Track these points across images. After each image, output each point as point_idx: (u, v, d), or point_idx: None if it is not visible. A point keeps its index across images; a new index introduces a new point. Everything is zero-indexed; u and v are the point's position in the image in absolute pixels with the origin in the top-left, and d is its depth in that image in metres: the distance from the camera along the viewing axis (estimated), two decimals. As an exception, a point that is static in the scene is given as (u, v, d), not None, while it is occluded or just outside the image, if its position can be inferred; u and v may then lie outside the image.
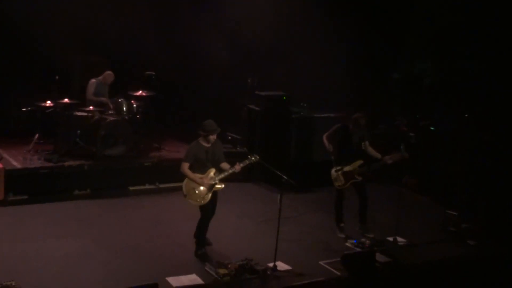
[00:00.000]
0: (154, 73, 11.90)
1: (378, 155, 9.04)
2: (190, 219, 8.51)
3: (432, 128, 11.84)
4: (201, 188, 8.01)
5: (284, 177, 7.85)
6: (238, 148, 12.04)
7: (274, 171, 8.04)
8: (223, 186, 8.14)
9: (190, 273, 7.62)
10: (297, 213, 10.09)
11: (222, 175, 8.07)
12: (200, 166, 8.04)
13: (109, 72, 11.37)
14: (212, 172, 8.08)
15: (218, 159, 8.13)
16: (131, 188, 10.81)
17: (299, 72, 13.24)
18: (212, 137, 7.99)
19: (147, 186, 10.95)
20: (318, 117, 11.76)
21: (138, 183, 10.91)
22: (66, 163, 10.40)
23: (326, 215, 9.49)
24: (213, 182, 8.04)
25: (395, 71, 13.61)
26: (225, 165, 8.16)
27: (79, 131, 10.82)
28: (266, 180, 11.36)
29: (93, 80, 11.28)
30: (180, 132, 12.78)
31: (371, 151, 9.11)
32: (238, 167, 8.01)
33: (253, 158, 8.09)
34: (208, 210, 8.13)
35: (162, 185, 10.99)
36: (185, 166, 8.00)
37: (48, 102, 10.76)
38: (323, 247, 8.77)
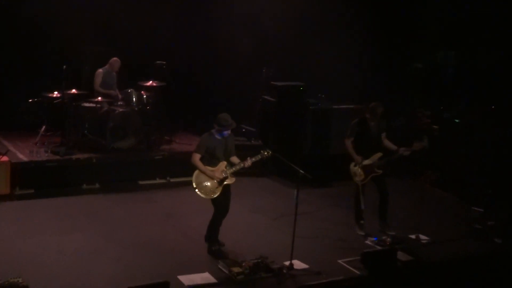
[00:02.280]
0: (164, 62, 11.90)
1: (394, 147, 8.98)
2: (203, 214, 8.48)
3: (456, 121, 11.73)
4: (212, 181, 7.99)
5: (301, 171, 7.81)
6: (252, 141, 12.01)
7: (290, 164, 7.99)
8: (234, 180, 8.10)
9: (203, 271, 7.60)
10: (314, 209, 10.05)
11: (233, 169, 8.03)
12: (211, 158, 8.01)
13: (115, 58, 11.36)
14: (223, 165, 8.04)
15: (230, 152, 8.11)
16: (141, 182, 10.83)
17: (317, 62, 13.19)
18: (226, 132, 7.93)
19: (157, 181, 10.96)
20: (336, 108, 11.75)
21: (148, 177, 10.92)
22: (74, 156, 10.42)
23: (345, 211, 9.45)
24: (224, 176, 8.01)
25: (417, 60, 13.49)
26: (235, 159, 8.13)
27: (87, 123, 10.85)
28: (281, 174, 11.34)
29: (100, 70, 11.28)
30: (192, 124, 12.80)
31: (387, 143, 9.07)
32: (248, 162, 7.97)
33: (265, 153, 8.04)
34: (221, 205, 8.09)
35: (173, 179, 10.98)
36: (196, 157, 7.97)
37: (56, 93, 10.77)
38: (341, 245, 8.73)
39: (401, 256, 8.27)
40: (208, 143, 7.98)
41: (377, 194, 9.12)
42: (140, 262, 7.82)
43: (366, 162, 8.95)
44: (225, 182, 8.03)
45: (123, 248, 8.20)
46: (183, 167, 10.72)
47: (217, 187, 7.99)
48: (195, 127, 12.61)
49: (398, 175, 11.07)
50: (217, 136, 7.99)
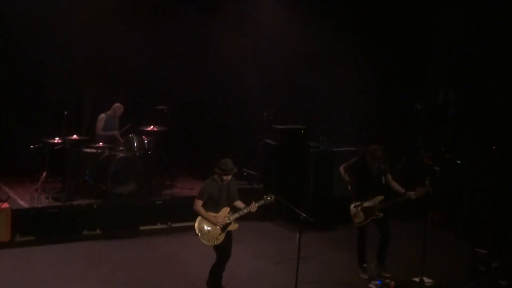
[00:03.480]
0: (165, 107, 11.99)
1: (402, 190, 9.00)
2: (204, 260, 8.46)
3: (458, 162, 11.76)
4: (215, 227, 7.98)
5: (303, 214, 7.79)
6: (254, 185, 12.01)
7: (291, 208, 8.00)
8: (237, 226, 8.09)
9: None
10: (317, 253, 10.01)
11: (236, 214, 8.03)
12: (214, 204, 8.02)
13: (117, 104, 11.52)
14: (226, 211, 8.05)
15: (233, 197, 8.12)
16: (142, 227, 10.82)
17: (318, 105, 13.30)
18: (226, 178, 7.97)
19: (159, 226, 10.95)
20: (338, 151, 11.76)
21: (149, 222, 10.91)
22: (75, 202, 10.45)
23: (347, 254, 9.41)
24: (227, 221, 8.01)
25: (418, 102, 13.58)
26: (239, 204, 8.13)
27: (88, 169, 10.91)
28: (283, 218, 11.32)
29: (102, 115, 11.43)
30: (193, 168, 12.79)
31: (394, 185, 9.09)
32: (254, 206, 7.96)
33: (268, 198, 8.05)
34: (223, 252, 8.07)
35: (174, 224, 10.97)
36: (199, 204, 7.98)
37: (57, 138, 10.85)
38: (345, 290, 8.67)
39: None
40: (210, 189, 8.00)
41: (378, 236, 9.13)
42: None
43: (367, 204, 8.96)
44: (228, 228, 8.03)
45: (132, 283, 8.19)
46: (185, 212, 10.64)
47: (220, 234, 7.98)
48: (197, 171, 12.64)
49: (401, 216, 11.02)
50: (219, 182, 8.03)
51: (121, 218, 10.68)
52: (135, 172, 10.93)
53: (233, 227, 8.07)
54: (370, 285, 8.82)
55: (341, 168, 9.13)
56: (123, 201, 10.75)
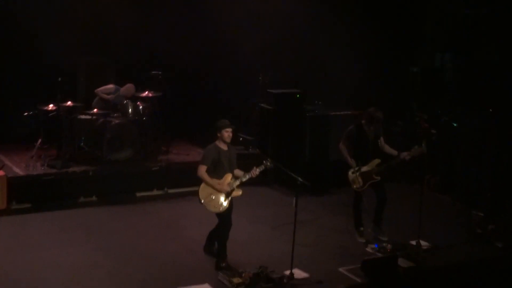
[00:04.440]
0: (160, 72, 11.91)
1: (395, 152, 9.01)
2: (202, 225, 8.49)
3: (454, 124, 11.73)
4: (219, 194, 7.95)
5: (299, 178, 7.80)
6: (250, 150, 12.01)
7: (288, 172, 7.99)
8: (240, 192, 8.07)
9: (202, 282, 7.60)
10: (313, 217, 10.05)
11: (239, 181, 8.01)
12: (217, 170, 7.95)
13: (131, 84, 11.42)
14: (229, 177, 8.00)
15: (233, 165, 8.09)
16: (138, 194, 10.81)
17: (313, 68, 13.18)
18: (227, 134, 7.88)
19: (155, 192, 10.94)
20: (334, 115, 11.75)
21: (145, 188, 10.90)
22: (70, 169, 10.43)
23: (344, 218, 9.44)
24: (231, 188, 7.98)
25: (414, 64, 13.48)
26: (238, 172, 8.12)
27: (83, 135, 10.88)
28: (280, 182, 11.35)
29: (113, 87, 11.39)
30: (189, 134, 12.79)
31: (387, 148, 9.10)
32: (255, 172, 7.94)
33: (268, 163, 7.99)
34: (227, 218, 8.04)
35: (171, 191, 10.97)
36: (203, 169, 7.90)
37: (51, 105, 10.76)
38: (342, 253, 8.73)
39: (402, 262, 8.27)
40: (214, 154, 7.93)
41: (375, 200, 9.15)
42: (139, 276, 7.81)
43: (364, 169, 8.97)
44: (231, 195, 8.00)
45: (121, 261, 8.19)
46: (181, 178, 10.87)
47: (224, 200, 7.96)
48: (192, 137, 12.63)
49: (397, 180, 11.09)
50: (222, 147, 7.96)
51: (117, 185, 10.66)
52: (130, 138, 10.91)
53: (236, 193, 8.05)
54: (367, 249, 8.85)
55: (342, 147, 9.07)
56: (118, 168, 10.74)
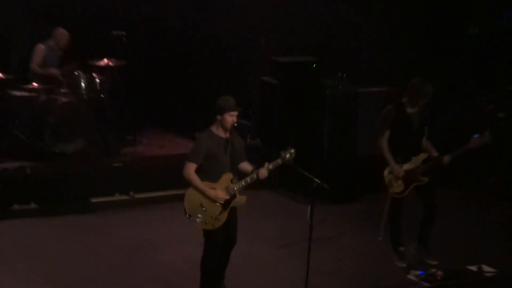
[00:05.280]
0: (124, 33, 11.87)
1: (434, 153, 8.97)
2: (185, 245, 8.58)
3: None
4: (213, 203, 7.72)
5: (316, 179, 7.72)
6: (248, 140, 11.94)
7: (300, 171, 7.87)
8: (245, 199, 7.84)
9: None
10: (335, 233, 10.08)
11: (243, 183, 7.75)
12: (213, 168, 7.72)
13: (61, 30, 11.47)
14: (228, 178, 7.76)
15: (239, 158, 7.85)
16: (94, 200, 10.83)
17: (335, 30, 13.18)
18: (231, 120, 7.64)
19: (117, 197, 10.98)
20: (364, 92, 11.79)
21: (104, 192, 10.93)
22: (1, 165, 10.45)
23: (377, 235, 9.38)
24: (231, 194, 7.73)
25: (472, 24, 13.46)
26: (246, 166, 7.88)
27: (19, 119, 10.90)
28: (288, 185, 11.42)
29: (42, 46, 11.42)
30: (164, 119, 12.82)
31: (427, 144, 9.07)
32: (265, 170, 7.69)
33: (287, 156, 7.76)
34: (217, 238, 7.80)
35: (139, 195, 11.00)
36: (191, 169, 7.66)
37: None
38: (374, 282, 8.69)
39: (459, 296, 8.30)
40: (208, 145, 7.68)
41: (421, 208, 9.11)
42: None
43: (407, 166, 8.94)
44: (232, 204, 7.78)
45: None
46: (153, 178, 10.96)
47: (221, 212, 7.72)
48: (169, 123, 12.70)
49: (449, 184, 11.10)
50: (220, 134, 7.73)
51: (65, 188, 10.68)
52: (83, 123, 10.95)
53: (239, 201, 7.82)
54: (409, 276, 8.84)
55: (379, 140, 8.91)
56: (66, 164, 10.77)
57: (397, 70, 12.40)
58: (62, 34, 11.47)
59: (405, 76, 10.16)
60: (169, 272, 8.68)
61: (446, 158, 8.90)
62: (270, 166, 7.72)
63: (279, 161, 7.76)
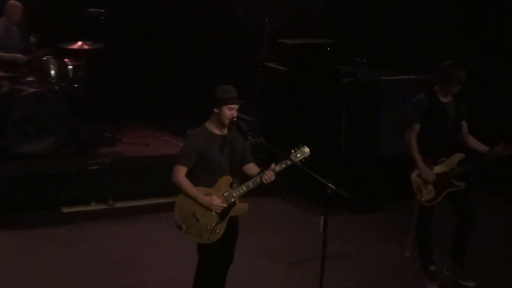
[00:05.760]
0: (102, 10, 11.94)
1: (484, 147, 8.92)
2: (169, 260, 8.61)
3: None
4: (209, 213, 7.71)
5: (330, 185, 7.63)
6: (249, 138, 11.88)
7: (312, 175, 7.78)
8: (246, 208, 7.81)
9: None
10: (353, 248, 10.09)
11: (244, 188, 7.73)
12: (208, 172, 7.70)
13: (11, 2, 11.45)
14: (227, 182, 7.75)
15: (242, 158, 7.86)
16: (66, 209, 10.85)
17: (352, 8, 13.31)
18: (230, 113, 7.60)
19: (93, 206, 11.01)
20: (387, 81, 11.80)
21: (77, 201, 10.96)
22: (-46, 169, 10.57)
23: (403, 251, 9.40)
24: (229, 202, 7.72)
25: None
26: (252, 168, 7.87)
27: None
28: (298, 191, 11.47)
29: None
30: (150, 113, 12.92)
31: (472, 140, 9.03)
32: (269, 174, 7.62)
33: (298, 155, 7.72)
34: (213, 254, 7.80)
35: (119, 204, 11.04)
36: (181, 172, 7.66)
37: None
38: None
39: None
40: (201, 145, 7.68)
41: (455, 219, 9.06)
42: None
43: (439, 169, 8.90)
44: (231, 213, 7.76)
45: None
46: (136, 183, 10.98)
47: (218, 223, 7.71)
48: (156, 117, 12.83)
49: (488, 188, 11.19)
50: (216, 131, 7.71)
51: (31, 194, 10.70)
52: (53, 118, 10.98)
53: (240, 210, 7.80)
54: (443, 302, 8.91)
55: (408, 136, 8.86)
56: (34, 167, 10.77)
57: (426, 54, 12.42)
58: (13, 6, 11.47)
59: (437, 62, 10.19)
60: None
61: (499, 149, 8.74)
62: (277, 168, 7.65)
63: (288, 161, 7.71)
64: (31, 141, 10.88)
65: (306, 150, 7.72)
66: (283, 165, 7.68)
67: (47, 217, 10.57)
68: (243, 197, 7.76)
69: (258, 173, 7.69)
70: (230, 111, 7.54)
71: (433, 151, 8.89)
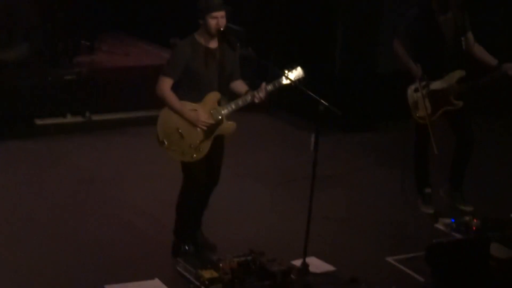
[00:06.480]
0: None
1: (492, 60, 9.00)
2: (150, 179, 8.67)
3: None
4: (193, 129, 7.79)
5: (323, 101, 7.70)
6: (237, 49, 11.95)
7: (304, 91, 7.85)
8: (233, 127, 7.94)
9: (151, 276, 7.67)
10: (345, 170, 10.15)
11: (233, 105, 7.84)
12: (194, 86, 7.77)
13: None
14: (214, 98, 7.82)
15: (230, 74, 7.91)
16: (39, 121, 10.94)
17: None
18: (215, 22, 7.57)
19: (69, 119, 11.10)
20: None
21: (52, 113, 11.04)
22: None
23: (398, 173, 9.51)
24: (215, 119, 7.81)
25: None
26: (239, 85, 7.96)
27: None
28: (288, 108, 11.58)
29: None
30: (132, 19, 12.87)
31: (480, 51, 9.09)
32: (262, 92, 7.73)
33: (292, 75, 7.84)
34: (197, 173, 7.90)
35: (96, 117, 11.12)
36: (166, 84, 7.71)
37: None
38: (392, 232, 8.80)
39: (497, 250, 8.30)
40: (188, 57, 7.73)
41: (453, 142, 9.17)
42: (44, 266, 7.81)
43: (436, 85, 8.97)
44: (217, 131, 7.86)
45: (21, 242, 8.20)
46: (116, 95, 11.04)
47: (202, 141, 7.80)
48: (138, 25, 12.79)
49: (489, 111, 11.30)
50: (205, 43, 7.75)
51: (4, 106, 10.76)
52: (25, 24, 11.00)
53: (227, 128, 7.92)
54: (437, 225, 8.95)
55: (396, 42, 8.97)
56: (5, 76, 10.81)
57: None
58: None
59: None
60: (132, 213, 8.77)
61: (508, 66, 8.77)
62: (269, 87, 7.76)
63: (282, 81, 7.81)
64: (1, 49, 10.90)
65: (301, 71, 7.82)
66: (276, 85, 7.77)
67: (21, 129, 10.64)
68: (230, 114, 7.81)
69: (247, 92, 7.77)
70: (214, 20, 7.55)
71: (432, 67, 8.91)
